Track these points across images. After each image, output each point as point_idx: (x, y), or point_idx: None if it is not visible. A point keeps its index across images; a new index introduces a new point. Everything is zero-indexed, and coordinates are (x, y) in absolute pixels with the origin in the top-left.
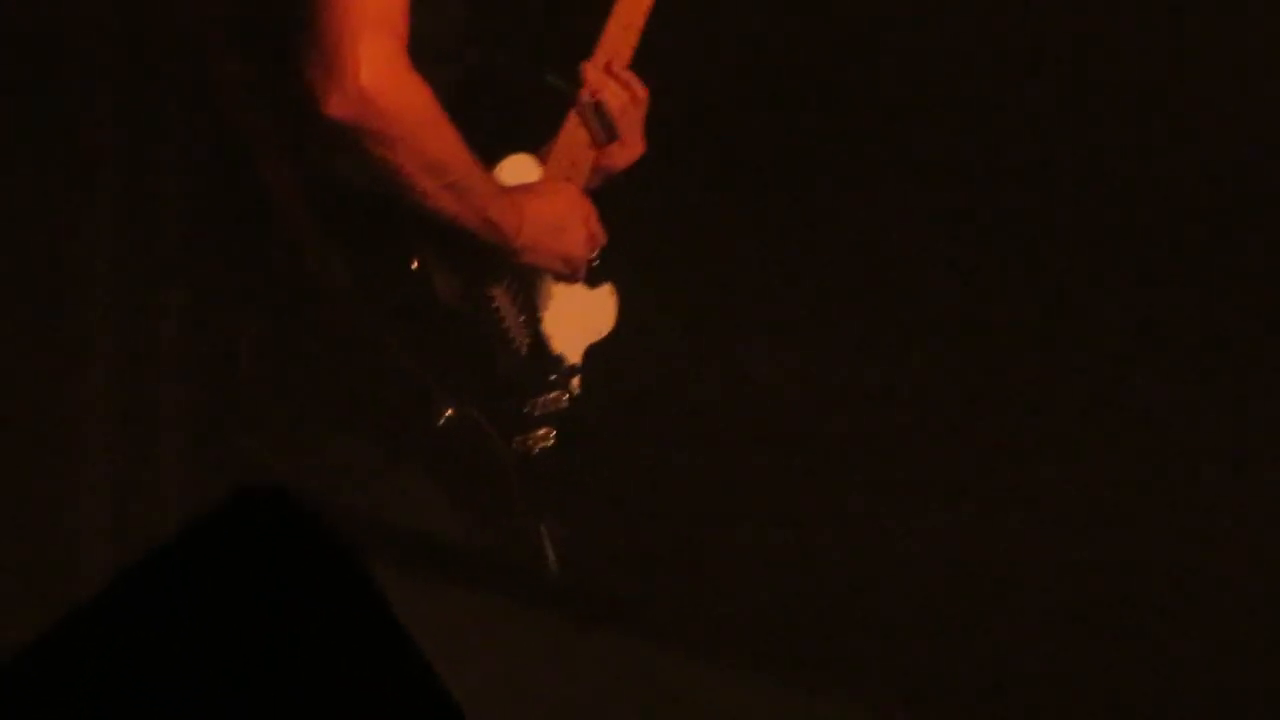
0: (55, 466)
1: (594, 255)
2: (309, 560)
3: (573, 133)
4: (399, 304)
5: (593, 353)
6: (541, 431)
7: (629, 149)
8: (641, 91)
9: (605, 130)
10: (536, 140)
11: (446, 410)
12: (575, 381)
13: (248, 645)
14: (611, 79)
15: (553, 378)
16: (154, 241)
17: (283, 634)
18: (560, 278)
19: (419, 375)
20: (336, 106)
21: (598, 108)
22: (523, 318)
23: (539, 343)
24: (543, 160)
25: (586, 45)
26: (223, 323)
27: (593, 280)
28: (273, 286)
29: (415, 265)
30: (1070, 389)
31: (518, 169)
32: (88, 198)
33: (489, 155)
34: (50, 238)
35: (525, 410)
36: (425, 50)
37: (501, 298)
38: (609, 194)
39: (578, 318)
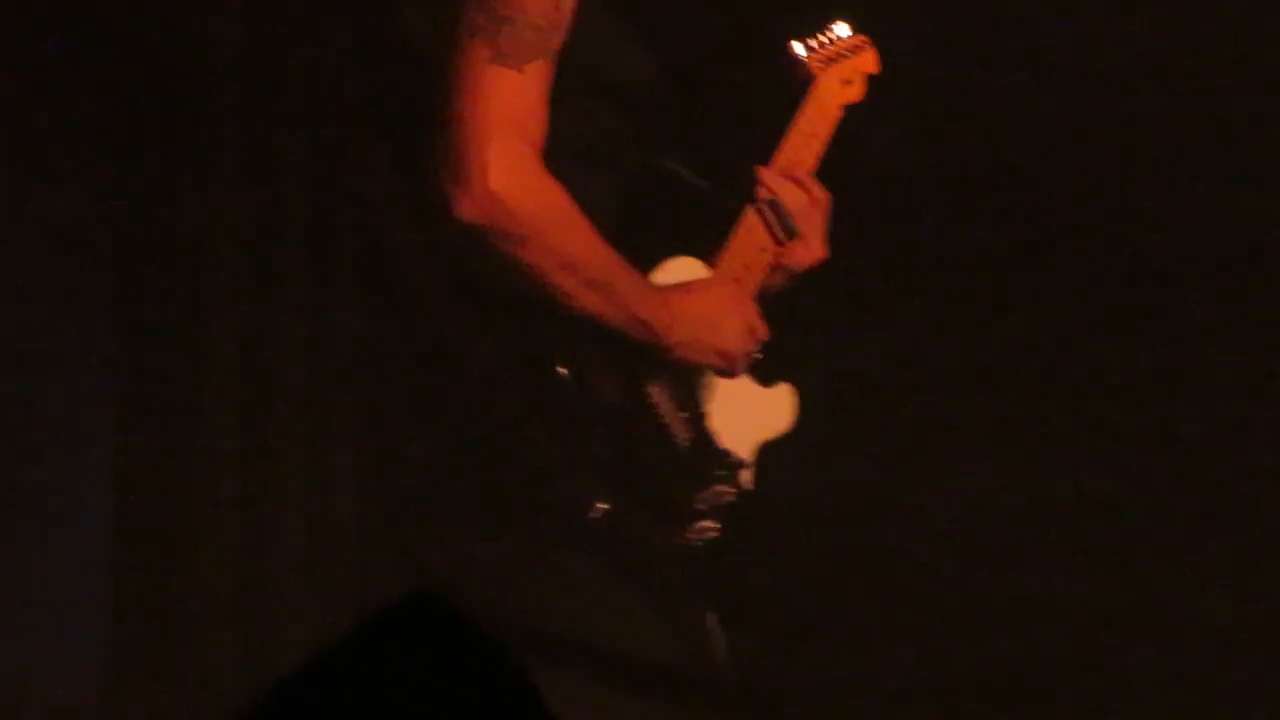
0: (197, 572)
1: (754, 350)
2: (472, 668)
3: (748, 232)
4: (553, 402)
5: (766, 449)
6: (703, 525)
7: (810, 250)
8: (821, 194)
9: (784, 228)
10: (710, 245)
11: (601, 506)
12: (745, 475)
13: None
14: (788, 181)
15: (718, 473)
16: (283, 346)
17: None
18: (720, 373)
19: (573, 472)
20: (466, 209)
21: (774, 205)
22: (685, 414)
23: (703, 438)
24: (713, 263)
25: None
26: (381, 429)
27: (767, 378)
28: (427, 388)
29: (565, 371)
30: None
31: (680, 270)
32: (223, 309)
33: (659, 259)
34: (187, 350)
35: (688, 505)
36: (585, 156)
37: (658, 394)
38: (788, 292)
39: (748, 414)
